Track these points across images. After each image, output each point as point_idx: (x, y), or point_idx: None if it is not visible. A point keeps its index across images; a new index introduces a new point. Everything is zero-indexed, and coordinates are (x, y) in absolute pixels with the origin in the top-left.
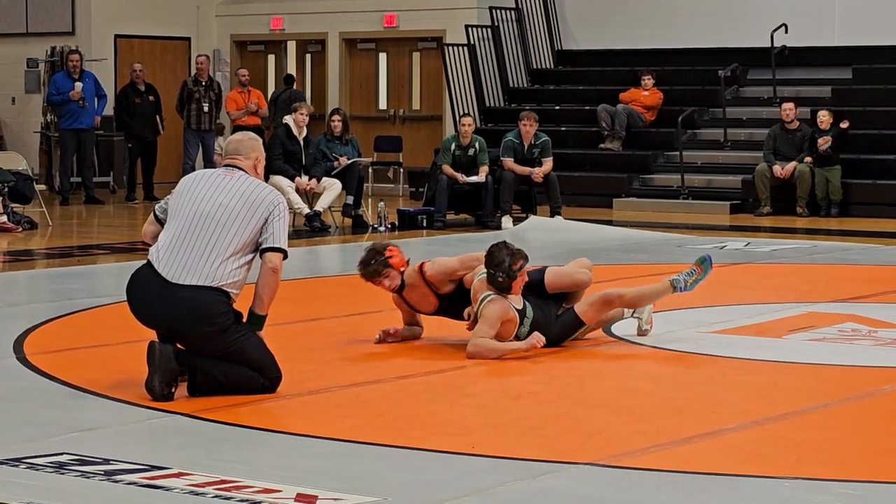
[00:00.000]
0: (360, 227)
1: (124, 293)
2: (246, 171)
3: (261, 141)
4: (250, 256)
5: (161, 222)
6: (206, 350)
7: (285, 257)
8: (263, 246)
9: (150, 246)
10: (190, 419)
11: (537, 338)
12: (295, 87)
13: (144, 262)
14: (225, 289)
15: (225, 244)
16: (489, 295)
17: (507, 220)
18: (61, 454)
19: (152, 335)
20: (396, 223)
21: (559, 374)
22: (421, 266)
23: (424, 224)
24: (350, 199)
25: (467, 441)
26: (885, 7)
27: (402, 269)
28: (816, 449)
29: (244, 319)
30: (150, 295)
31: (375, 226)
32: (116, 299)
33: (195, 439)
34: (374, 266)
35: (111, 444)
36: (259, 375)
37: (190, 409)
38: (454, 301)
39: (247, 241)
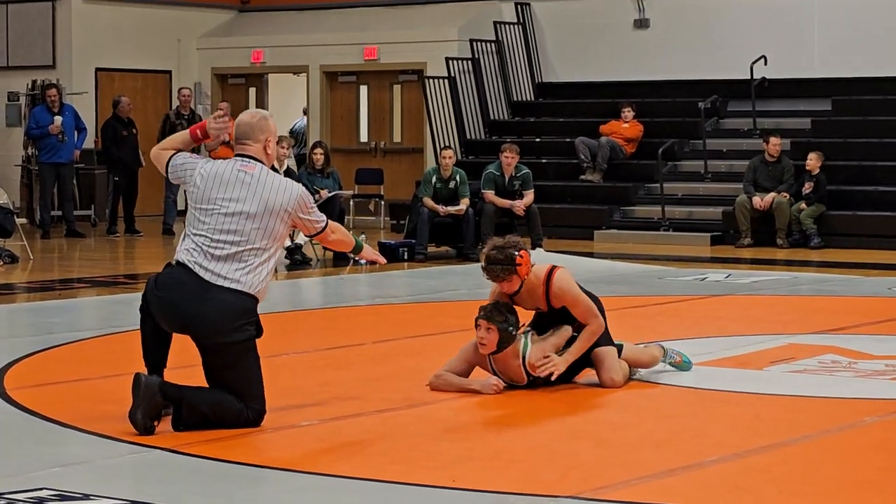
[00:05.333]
0: (341, 259)
1: (105, 327)
2: (258, 160)
3: (269, 117)
4: (276, 251)
5: (171, 168)
6: (219, 359)
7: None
8: (309, 235)
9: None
10: (171, 453)
11: (496, 382)
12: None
13: (170, 264)
14: (257, 296)
15: (257, 252)
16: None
17: None
18: (41, 489)
19: (135, 368)
20: (368, 260)
21: (540, 406)
22: (551, 272)
23: (406, 257)
24: None
25: (448, 474)
26: (864, 39)
27: (525, 276)
28: (797, 481)
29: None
30: (188, 295)
31: (357, 258)
32: (98, 333)
33: (176, 474)
34: (499, 271)
35: (92, 478)
36: (245, 408)
37: (171, 444)
38: (558, 315)
39: (276, 245)
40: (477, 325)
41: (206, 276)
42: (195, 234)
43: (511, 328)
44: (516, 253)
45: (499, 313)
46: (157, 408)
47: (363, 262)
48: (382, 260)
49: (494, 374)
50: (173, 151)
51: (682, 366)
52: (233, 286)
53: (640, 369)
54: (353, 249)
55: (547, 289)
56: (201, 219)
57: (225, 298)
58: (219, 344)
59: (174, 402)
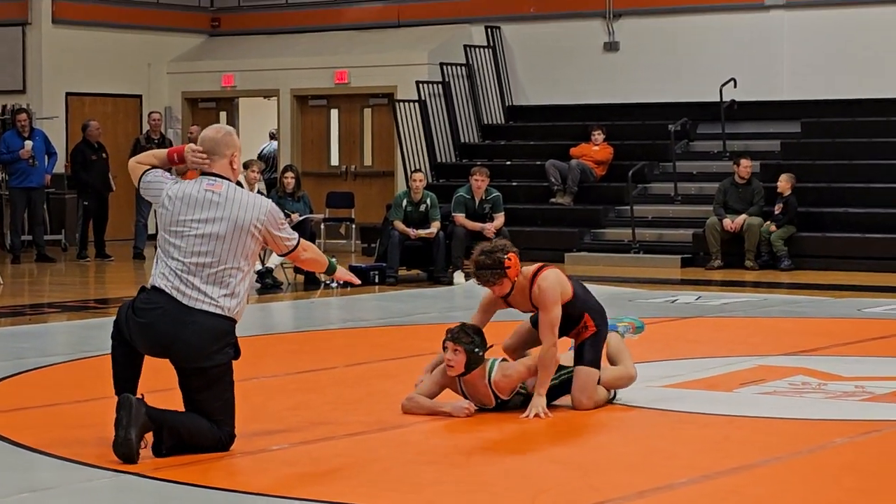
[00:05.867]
0: (312, 283)
1: (76, 352)
2: (224, 177)
3: (233, 132)
4: (250, 271)
5: (143, 184)
6: (197, 381)
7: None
8: (282, 254)
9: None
10: (143, 478)
11: (467, 405)
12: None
13: (145, 288)
14: (235, 317)
15: (231, 272)
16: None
17: (458, 276)
18: None
19: (106, 393)
20: (341, 282)
21: (511, 429)
22: (537, 272)
23: (377, 280)
24: None
25: (419, 498)
26: (833, 62)
27: (515, 278)
28: (768, 503)
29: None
30: (168, 320)
31: (328, 282)
32: (68, 358)
33: (147, 498)
34: (488, 276)
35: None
36: (218, 430)
37: (141, 469)
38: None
39: (250, 263)
40: (444, 348)
41: (185, 301)
42: (169, 258)
43: (478, 349)
44: (504, 256)
45: (465, 334)
46: (145, 429)
47: (335, 284)
48: (356, 280)
49: (464, 396)
50: (148, 167)
51: (638, 329)
52: (212, 309)
53: (618, 390)
54: (327, 270)
55: (532, 287)
56: (173, 242)
57: (205, 322)
58: (199, 368)
59: (157, 425)
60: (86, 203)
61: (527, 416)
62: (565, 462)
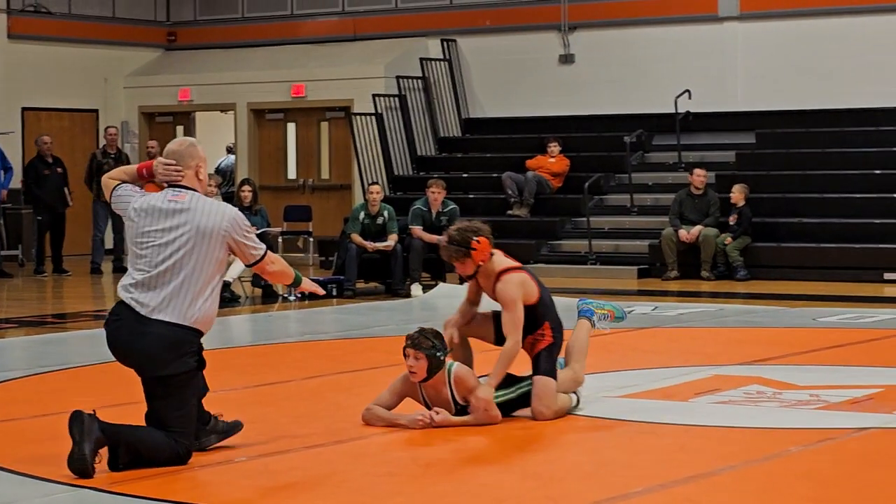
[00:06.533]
0: (269, 297)
1: (33, 367)
2: (190, 188)
3: (197, 144)
4: (217, 280)
5: (114, 197)
6: (158, 389)
7: (266, 253)
8: (248, 264)
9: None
10: (103, 493)
11: (421, 417)
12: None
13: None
14: (197, 326)
15: (194, 281)
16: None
17: (416, 288)
18: None
19: (64, 407)
20: (307, 293)
21: (467, 440)
22: (505, 271)
23: (335, 293)
24: None
25: None
26: (787, 73)
27: (481, 262)
28: None
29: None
30: (127, 330)
31: (285, 295)
32: (25, 373)
33: None
34: (453, 251)
35: None
36: (176, 444)
37: (99, 483)
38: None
39: (214, 270)
40: (406, 355)
41: (142, 311)
42: (135, 270)
43: (439, 353)
44: (474, 238)
45: (425, 339)
46: (99, 444)
47: (293, 297)
48: (321, 291)
49: (426, 404)
50: (119, 182)
51: (618, 318)
52: (170, 318)
53: (576, 398)
54: (293, 282)
55: (496, 285)
56: (139, 252)
57: (160, 331)
58: (158, 377)
59: (111, 440)
60: (39, 218)
61: (466, 402)
62: (522, 472)
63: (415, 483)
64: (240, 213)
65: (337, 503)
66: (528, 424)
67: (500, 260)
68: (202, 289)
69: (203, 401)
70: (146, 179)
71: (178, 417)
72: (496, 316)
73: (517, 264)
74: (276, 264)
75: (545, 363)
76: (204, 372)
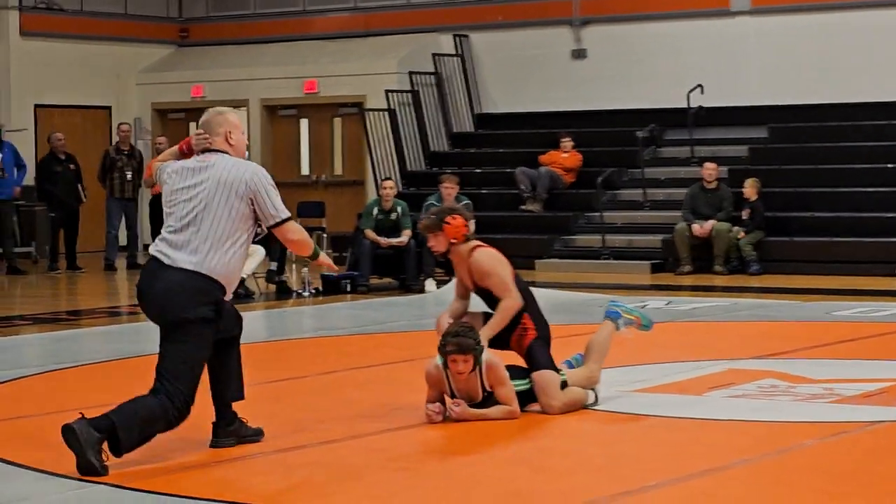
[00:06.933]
0: (283, 293)
1: (48, 364)
2: (220, 151)
3: (228, 112)
4: (240, 237)
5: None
6: (165, 335)
7: (293, 220)
8: (268, 225)
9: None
10: (113, 488)
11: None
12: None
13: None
14: (216, 277)
15: (214, 233)
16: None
17: (430, 284)
18: None
19: (78, 405)
20: (321, 288)
21: (481, 434)
22: (474, 248)
23: (348, 289)
24: (274, 266)
25: None
26: (800, 67)
27: (453, 239)
28: None
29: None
30: (149, 277)
31: (300, 291)
32: (39, 370)
33: None
34: (429, 221)
35: None
36: (170, 406)
37: (113, 479)
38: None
39: (236, 224)
40: (453, 360)
41: (165, 261)
42: (164, 230)
43: (478, 346)
44: (448, 215)
45: (467, 339)
46: (100, 443)
47: (307, 293)
48: (335, 268)
49: (452, 394)
50: (166, 162)
51: (643, 326)
52: (184, 266)
53: (594, 395)
54: (311, 255)
55: (470, 260)
56: (168, 211)
57: (175, 277)
58: (167, 322)
59: (108, 432)
60: (53, 215)
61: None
62: (536, 466)
63: (429, 477)
64: (266, 172)
65: (353, 498)
66: (541, 419)
67: (472, 243)
68: (222, 241)
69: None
70: (187, 155)
71: (178, 369)
72: (487, 316)
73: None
74: (298, 234)
75: (540, 356)
76: None
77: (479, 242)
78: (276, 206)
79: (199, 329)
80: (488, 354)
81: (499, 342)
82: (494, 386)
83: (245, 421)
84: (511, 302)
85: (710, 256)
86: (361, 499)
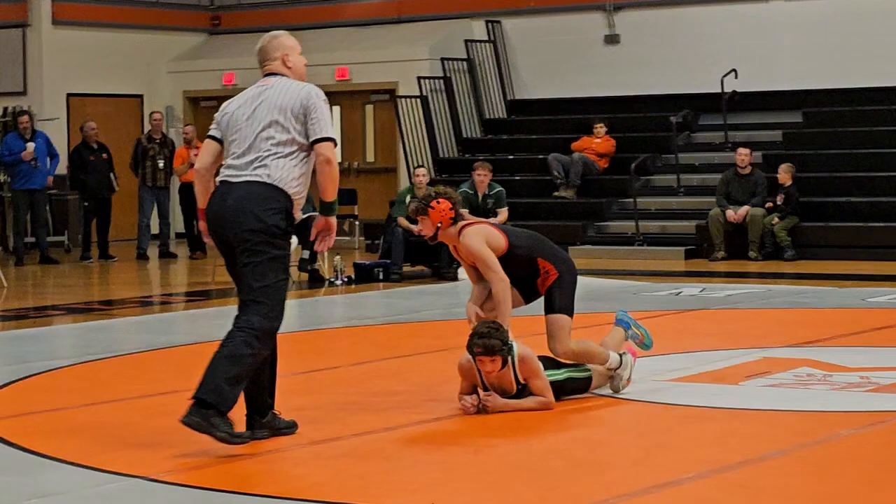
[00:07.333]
0: (316, 281)
1: (81, 355)
2: (278, 74)
3: (282, 35)
4: (301, 152)
5: (216, 139)
6: (244, 254)
7: (335, 145)
8: (311, 140)
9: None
10: (146, 481)
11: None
12: None
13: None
14: (282, 187)
15: (278, 153)
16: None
17: (462, 271)
18: None
19: (110, 397)
20: (353, 276)
21: (517, 425)
22: (462, 229)
23: (381, 277)
24: (306, 254)
25: (426, 498)
26: (834, 51)
27: (438, 222)
28: (775, 496)
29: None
30: (216, 201)
31: (332, 279)
32: (73, 361)
33: (155, 502)
34: (415, 205)
35: None
36: (254, 340)
37: (150, 472)
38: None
39: (292, 139)
40: (480, 362)
41: (233, 180)
42: (228, 156)
43: (505, 347)
44: (434, 198)
45: (493, 339)
46: (216, 417)
47: (339, 282)
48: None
49: (485, 387)
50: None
51: (644, 345)
52: (252, 178)
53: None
54: (331, 202)
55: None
56: (232, 139)
57: (246, 189)
58: (241, 234)
59: (211, 403)
60: (86, 204)
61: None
62: (573, 458)
63: (464, 470)
64: (321, 92)
65: (387, 491)
66: (576, 410)
67: (462, 224)
68: (285, 158)
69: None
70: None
71: (261, 288)
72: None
73: (478, 220)
74: (334, 160)
75: (559, 299)
76: None
77: (467, 221)
78: (325, 125)
79: (270, 241)
80: (520, 347)
81: (530, 293)
82: (528, 378)
83: (279, 413)
84: (498, 286)
85: (744, 242)
86: (396, 491)
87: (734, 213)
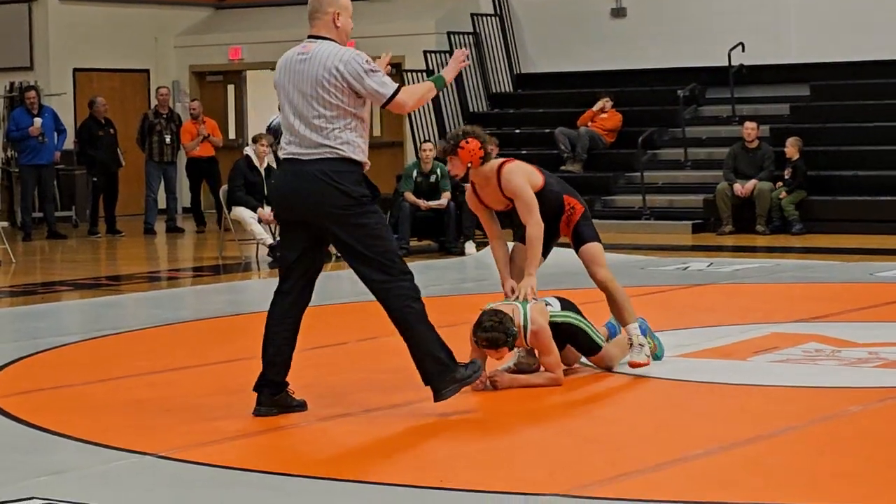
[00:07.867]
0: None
1: (89, 331)
2: (324, 37)
3: None
4: (353, 117)
5: None
6: (345, 230)
7: (398, 90)
8: (380, 106)
9: None
10: (156, 458)
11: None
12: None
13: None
14: (350, 156)
15: (331, 119)
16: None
17: (470, 246)
18: (31, 499)
19: (120, 372)
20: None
21: (526, 402)
22: (502, 165)
23: None
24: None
25: (435, 475)
26: (841, 24)
27: (469, 162)
28: (784, 472)
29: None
30: (287, 184)
31: (338, 255)
32: (82, 337)
33: (165, 480)
34: (445, 145)
35: (82, 486)
36: (402, 295)
37: (159, 449)
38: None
39: (346, 110)
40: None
41: (300, 156)
42: (285, 132)
43: (510, 336)
44: (463, 138)
45: (498, 333)
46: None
47: None
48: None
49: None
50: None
51: (655, 355)
52: (324, 155)
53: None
54: (439, 87)
55: (500, 180)
56: (288, 109)
57: (321, 167)
58: (334, 215)
59: (444, 364)
60: (95, 179)
61: (516, 297)
62: (581, 435)
63: (472, 446)
64: (359, 54)
65: (397, 469)
66: (585, 385)
67: (494, 161)
68: (342, 127)
69: (260, 365)
70: None
71: (381, 251)
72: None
73: (508, 158)
74: (413, 97)
75: (586, 231)
76: (256, 336)
77: (504, 159)
78: (381, 83)
79: (362, 210)
80: (535, 315)
81: (551, 233)
82: (539, 353)
83: (291, 392)
84: (533, 229)
85: (751, 216)
86: (405, 469)
87: (741, 187)
